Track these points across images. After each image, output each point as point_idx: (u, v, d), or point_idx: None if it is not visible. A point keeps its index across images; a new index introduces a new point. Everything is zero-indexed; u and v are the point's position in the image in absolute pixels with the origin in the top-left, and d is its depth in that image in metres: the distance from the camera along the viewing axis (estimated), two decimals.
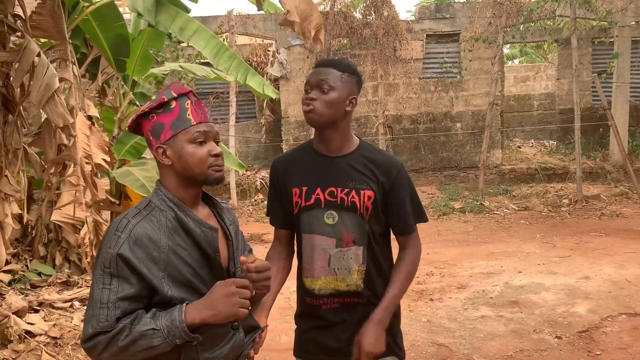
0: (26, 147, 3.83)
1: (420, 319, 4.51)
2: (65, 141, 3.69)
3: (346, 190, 1.89)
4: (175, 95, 1.49)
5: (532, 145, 13.19)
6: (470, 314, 4.58)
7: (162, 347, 1.40)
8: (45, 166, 4.38)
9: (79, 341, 3.82)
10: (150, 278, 1.40)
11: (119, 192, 5.98)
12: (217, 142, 1.55)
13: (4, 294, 4.22)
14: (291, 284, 2.13)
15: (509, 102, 14.74)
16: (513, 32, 10.67)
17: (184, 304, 1.42)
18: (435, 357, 3.88)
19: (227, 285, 1.43)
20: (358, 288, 1.93)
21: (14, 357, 3.38)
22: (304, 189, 1.92)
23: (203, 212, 1.58)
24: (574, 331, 4.15)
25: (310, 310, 1.98)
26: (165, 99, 1.49)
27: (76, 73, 5.15)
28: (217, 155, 1.50)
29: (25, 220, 3.94)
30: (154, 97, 1.52)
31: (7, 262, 4.97)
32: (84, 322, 1.41)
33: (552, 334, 4.13)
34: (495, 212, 8.63)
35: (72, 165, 4.55)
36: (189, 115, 1.50)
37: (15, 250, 5.14)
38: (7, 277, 4.63)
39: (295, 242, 2.07)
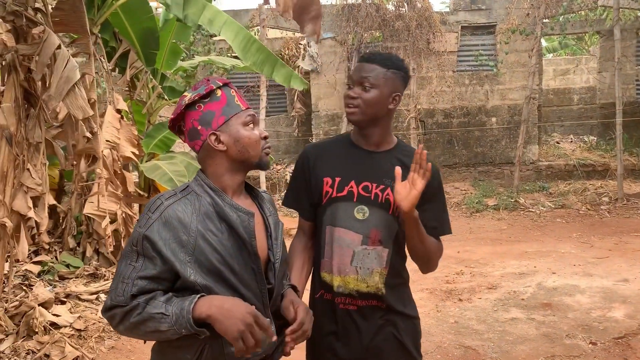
0: (51, 140, 3.87)
1: (448, 320, 4.39)
2: (88, 134, 3.70)
3: (382, 186, 1.82)
4: (220, 84, 1.54)
5: (571, 141, 12.79)
6: (500, 315, 4.43)
7: (170, 333, 1.39)
8: (70, 159, 4.43)
9: (103, 334, 3.86)
10: (172, 261, 1.40)
11: (148, 185, 6.03)
12: None
13: (32, 285, 4.29)
14: None
15: (548, 95, 14.32)
16: (552, 23, 10.31)
17: (197, 295, 1.40)
18: None
19: (250, 313, 1.39)
20: (379, 291, 1.84)
21: (38, 348, 3.42)
22: (337, 179, 1.85)
23: (245, 201, 1.59)
24: (610, 337, 3.95)
25: (326, 309, 1.87)
26: (214, 87, 1.52)
27: (105, 67, 5.20)
28: (266, 138, 1.57)
29: (48, 212, 3.98)
30: (187, 93, 1.54)
31: (38, 253, 5.07)
32: (108, 292, 1.48)
33: (586, 339, 3.95)
34: (530, 209, 8.38)
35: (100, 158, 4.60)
36: (237, 101, 1.55)
37: (48, 242, 5.24)
38: (37, 269, 4.71)
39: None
